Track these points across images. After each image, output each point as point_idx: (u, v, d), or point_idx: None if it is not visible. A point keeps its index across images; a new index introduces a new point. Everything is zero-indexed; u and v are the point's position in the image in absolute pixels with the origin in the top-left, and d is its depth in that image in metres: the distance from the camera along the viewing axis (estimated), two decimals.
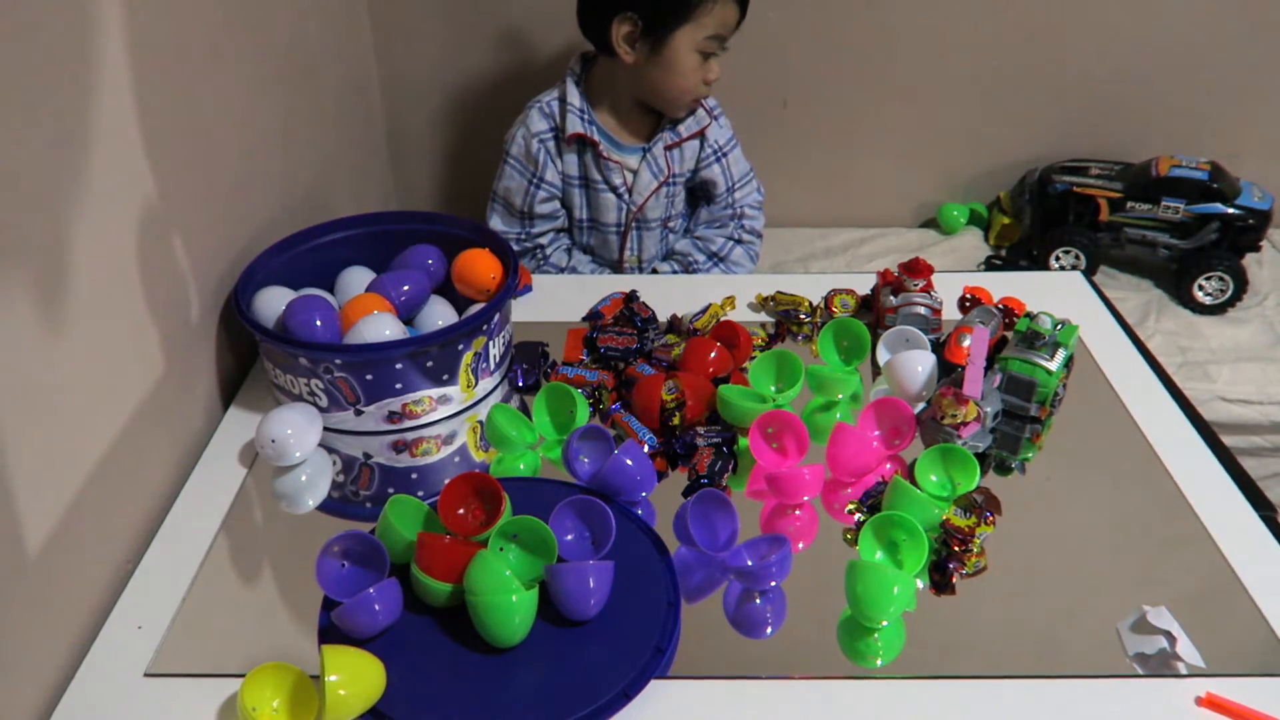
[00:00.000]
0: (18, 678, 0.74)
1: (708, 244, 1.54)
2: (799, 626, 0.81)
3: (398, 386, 1.00)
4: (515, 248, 1.48)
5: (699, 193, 1.57)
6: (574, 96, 1.44)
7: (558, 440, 1.01)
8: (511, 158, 1.47)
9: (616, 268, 1.54)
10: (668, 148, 1.47)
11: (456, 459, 1.02)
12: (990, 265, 1.88)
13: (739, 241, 1.54)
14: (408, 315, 1.11)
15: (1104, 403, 1.08)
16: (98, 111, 0.84)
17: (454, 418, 1.06)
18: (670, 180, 1.48)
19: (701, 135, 1.48)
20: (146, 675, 0.77)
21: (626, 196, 1.47)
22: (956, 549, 0.86)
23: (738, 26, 1.38)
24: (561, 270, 1.50)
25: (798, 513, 0.93)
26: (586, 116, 1.44)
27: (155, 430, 0.95)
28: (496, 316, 1.06)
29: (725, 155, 1.51)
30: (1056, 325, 1.04)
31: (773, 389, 1.06)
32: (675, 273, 1.51)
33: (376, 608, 0.75)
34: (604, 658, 0.75)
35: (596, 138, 1.43)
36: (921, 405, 1.03)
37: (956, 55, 1.84)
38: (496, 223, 1.50)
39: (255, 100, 1.21)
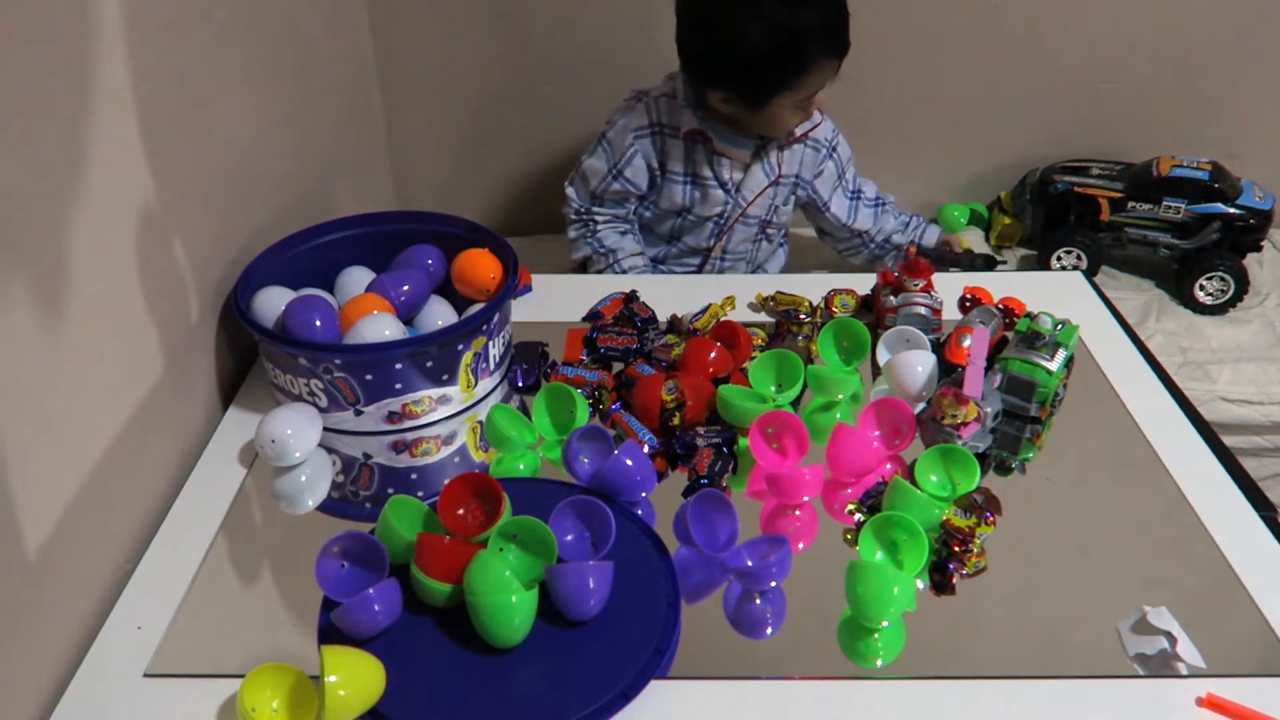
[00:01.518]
0: (18, 678, 0.74)
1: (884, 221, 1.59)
2: (799, 626, 0.81)
3: (397, 386, 1.00)
4: (573, 216, 1.49)
5: (817, 209, 1.58)
6: (686, 92, 1.40)
7: (558, 440, 1.01)
8: (606, 140, 1.44)
9: (705, 257, 1.53)
10: (781, 147, 1.46)
11: (456, 459, 1.02)
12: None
13: (881, 203, 1.60)
14: (408, 315, 1.11)
15: (1104, 403, 1.08)
16: (97, 112, 0.84)
17: (454, 418, 1.06)
18: (779, 181, 1.47)
19: (814, 138, 1.48)
20: (146, 675, 0.77)
21: (734, 193, 1.45)
22: (956, 549, 0.86)
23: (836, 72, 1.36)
24: (604, 251, 1.47)
25: (798, 513, 0.93)
26: (700, 114, 1.41)
27: (155, 430, 0.95)
28: (496, 316, 1.06)
29: (835, 150, 1.52)
30: (1057, 325, 1.04)
31: (773, 389, 1.06)
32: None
33: (376, 608, 0.75)
34: (604, 658, 0.75)
35: (710, 133, 1.40)
36: (921, 405, 1.03)
37: (956, 55, 1.84)
38: (571, 191, 1.49)
39: (255, 100, 1.21)
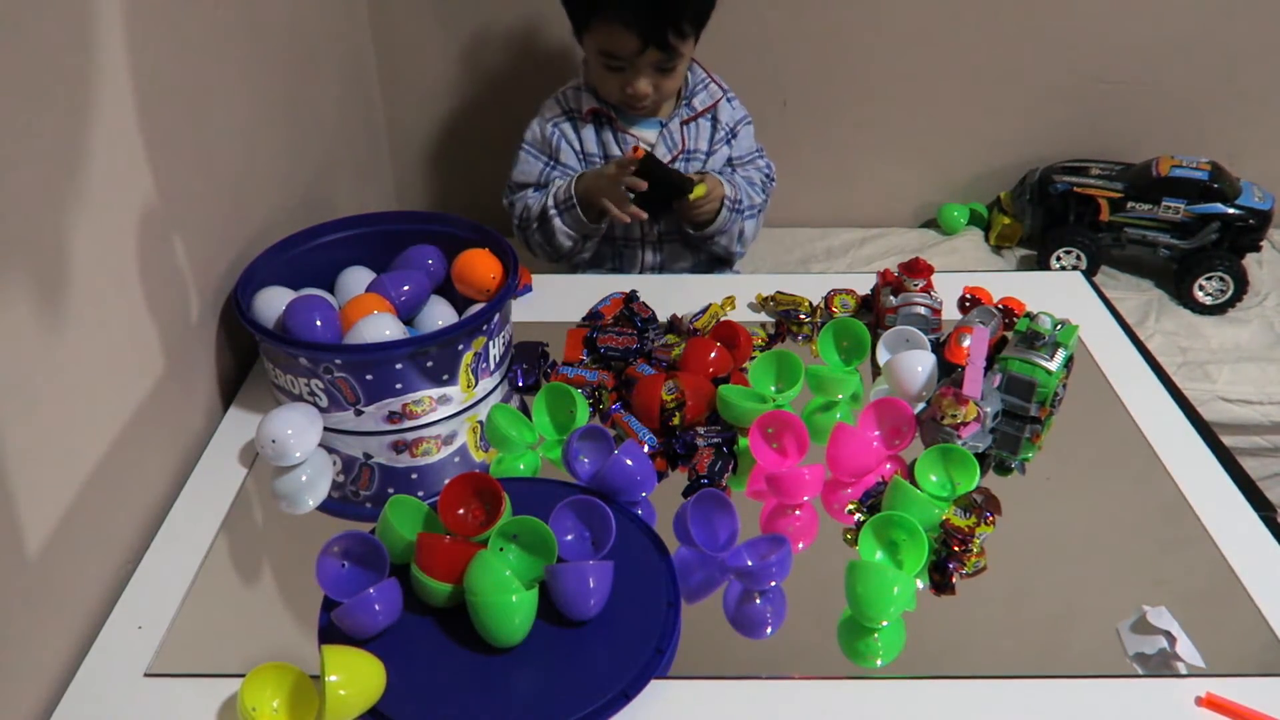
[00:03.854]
0: (18, 678, 0.74)
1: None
2: (799, 626, 0.81)
3: (398, 386, 1.00)
4: (517, 222, 1.47)
5: None
6: (586, 75, 1.46)
7: (558, 440, 1.01)
8: (526, 144, 1.48)
9: (641, 243, 1.51)
10: (684, 122, 1.47)
11: (456, 459, 1.02)
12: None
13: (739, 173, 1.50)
14: (408, 315, 1.11)
15: (1104, 403, 1.08)
16: (98, 111, 0.84)
17: (454, 418, 1.06)
18: (685, 153, 1.47)
19: (714, 114, 1.48)
20: (146, 675, 0.77)
21: None
22: (956, 549, 0.86)
23: (643, 53, 1.33)
24: (532, 220, 1.45)
25: (798, 513, 0.93)
26: (601, 99, 1.45)
27: (155, 430, 0.95)
28: (496, 316, 1.06)
29: (735, 136, 1.50)
30: (1056, 325, 1.04)
31: (773, 389, 1.06)
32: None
33: (376, 608, 0.75)
34: (604, 658, 0.75)
35: (612, 112, 1.44)
36: (921, 405, 1.03)
37: (956, 55, 1.84)
38: (508, 202, 1.50)
39: (255, 100, 1.21)
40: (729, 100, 1.50)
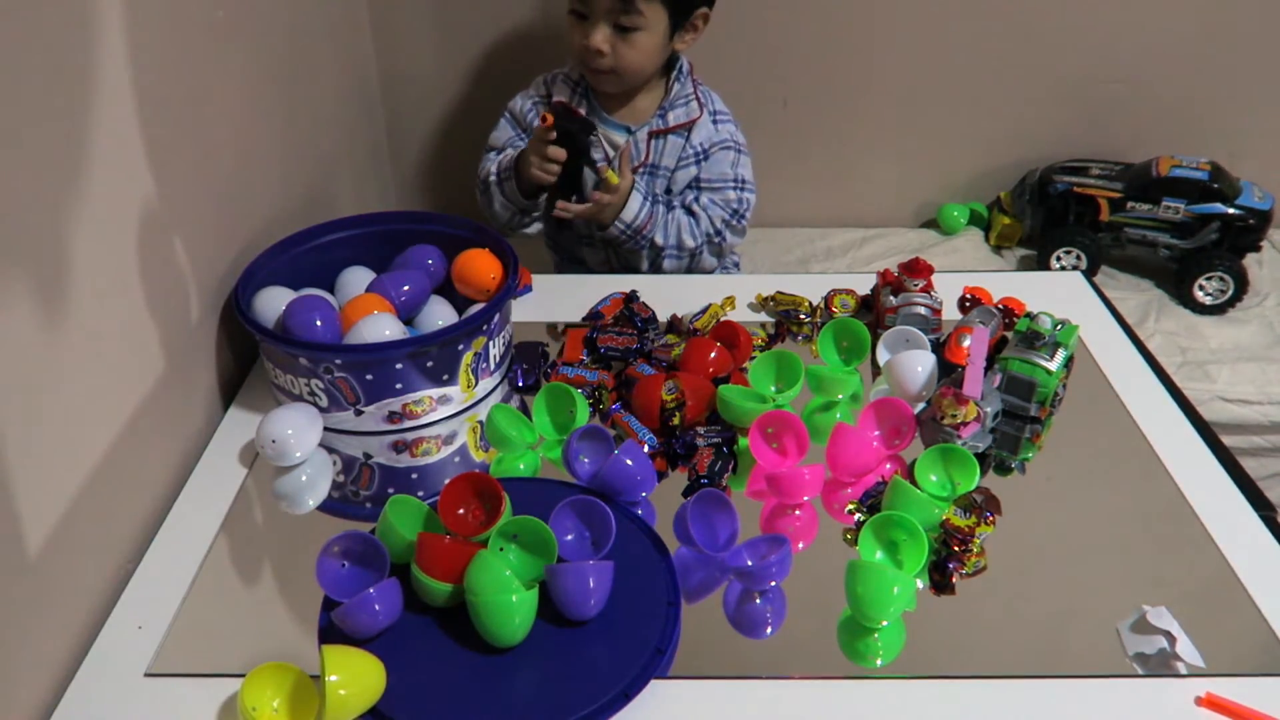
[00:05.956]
0: (18, 678, 0.74)
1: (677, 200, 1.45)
2: (799, 626, 0.81)
3: (398, 386, 1.00)
4: (481, 187, 1.47)
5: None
6: (574, 69, 1.46)
7: (558, 440, 1.01)
8: (507, 111, 1.49)
9: (606, 246, 1.50)
10: (653, 134, 1.43)
11: (456, 459, 1.02)
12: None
13: (689, 210, 1.43)
14: (408, 315, 1.11)
15: (1104, 403, 1.08)
16: (98, 111, 0.84)
17: (454, 418, 1.06)
18: (648, 168, 1.43)
19: (688, 132, 1.43)
20: (146, 675, 0.77)
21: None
22: (956, 549, 0.86)
23: None
24: (479, 183, 1.46)
25: (798, 513, 0.93)
26: (581, 89, 1.45)
27: (155, 430, 0.95)
28: (496, 316, 1.06)
29: (706, 157, 1.44)
30: (1056, 325, 1.04)
31: (773, 389, 1.06)
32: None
33: (376, 608, 0.75)
34: (604, 658, 0.75)
35: (581, 109, 1.42)
36: (921, 405, 1.03)
37: (957, 55, 1.84)
38: (480, 169, 1.49)
39: (255, 101, 1.21)
40: (715, 121, 1.45)
